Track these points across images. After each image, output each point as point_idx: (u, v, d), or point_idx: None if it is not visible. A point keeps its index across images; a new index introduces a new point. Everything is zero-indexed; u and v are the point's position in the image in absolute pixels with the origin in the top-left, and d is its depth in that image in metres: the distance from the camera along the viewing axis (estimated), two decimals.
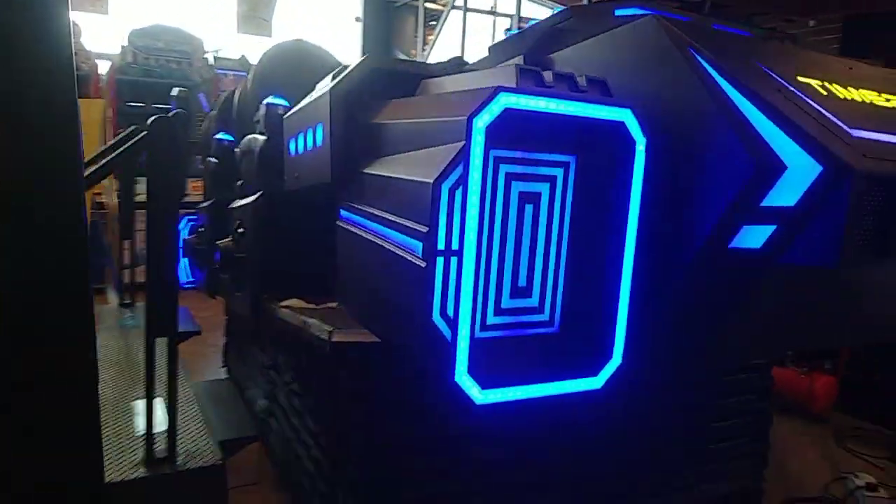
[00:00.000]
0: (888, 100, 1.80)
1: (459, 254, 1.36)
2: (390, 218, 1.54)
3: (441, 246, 1.35)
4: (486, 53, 2.23)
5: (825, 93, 1.64)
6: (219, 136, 3.76)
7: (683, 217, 1.55)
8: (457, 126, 1.37)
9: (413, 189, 1.42)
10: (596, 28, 1.96)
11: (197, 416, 2.65)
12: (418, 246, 1.40)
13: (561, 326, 1.65)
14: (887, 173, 1.42)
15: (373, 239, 1.67)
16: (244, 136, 3.12)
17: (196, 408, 2.73)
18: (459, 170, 1.34)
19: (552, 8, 10.78)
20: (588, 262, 1.61)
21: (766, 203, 1.44)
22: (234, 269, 2.98)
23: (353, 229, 1.84)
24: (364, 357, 2.02)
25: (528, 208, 1.56)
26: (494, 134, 1.37)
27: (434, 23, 11.27)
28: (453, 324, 1.38)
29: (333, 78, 1.99)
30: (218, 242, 3.00)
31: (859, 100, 1.71)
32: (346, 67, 2.01)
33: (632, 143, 1.51)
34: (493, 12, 11.42)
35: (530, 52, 2.05)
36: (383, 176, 1.62)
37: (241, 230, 2.94)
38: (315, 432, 2.60)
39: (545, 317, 1.64)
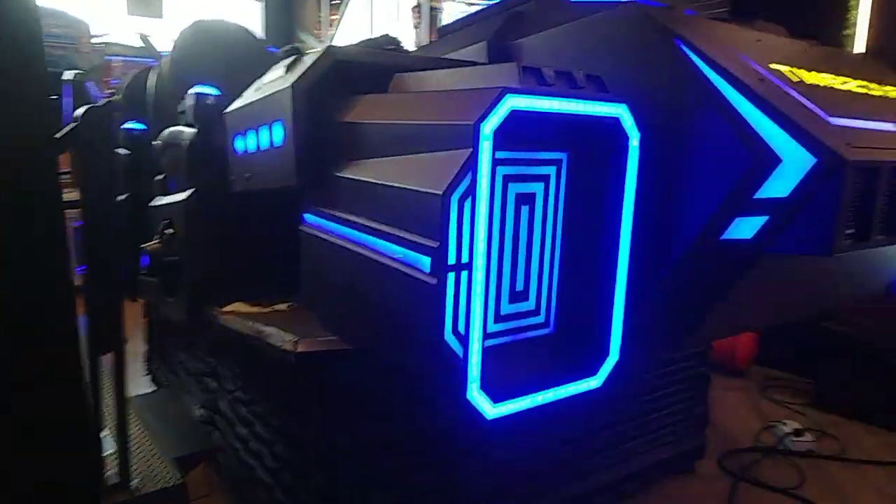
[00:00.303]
0: (844, 83, 1.86)
1: (469, 267, 1.29)
2: (383, 229, 1.43)
3: (452, 261, 1.27)
4: (396, 33, 2.12)
5: (797, 80, 1.67)
6: (128, 125, 3.45)
7: (676, 211, 1.55)
8: (460, 131, 1.28)
9: (416, 200, 1.32)
10: (558, 13, 1.91)
11: (142, 433, 2.46)
12: (424, 260, 1.31)
13: (556, 327, 1.62)
14: (870, 162, 1.46)
15: (355, 249, 1.56)
16: (162, 126, 2.87)
17: (139, 425, 2.53)
18: (467, 179, 1.26)
19: None
20: (582, 260, 1.58)
21: (758, 195, 1.46)
22: (166, 273, 2.76)
23: (325, 237, 1.71)
24: (332, 364, 1.93)
25: (525, 209, 1.51)
26: (496, 136, 1.30)
27: (338, 2, 10.84)
28: (464, 340, 1.32)
29: (288, 70, 1.83)
30: (144, 245, 2.76)
31: (823, 85, 1.76)
32: (299, 58, 1.85)
33: (625, 139, 1.48)
34: None
35: (494, 38, 1.97)
36: (367, 182, 1.51)
37: (170, 230, 2.72)
38: (269, 441, 2.48)
39: (541, 318, 1.60)
